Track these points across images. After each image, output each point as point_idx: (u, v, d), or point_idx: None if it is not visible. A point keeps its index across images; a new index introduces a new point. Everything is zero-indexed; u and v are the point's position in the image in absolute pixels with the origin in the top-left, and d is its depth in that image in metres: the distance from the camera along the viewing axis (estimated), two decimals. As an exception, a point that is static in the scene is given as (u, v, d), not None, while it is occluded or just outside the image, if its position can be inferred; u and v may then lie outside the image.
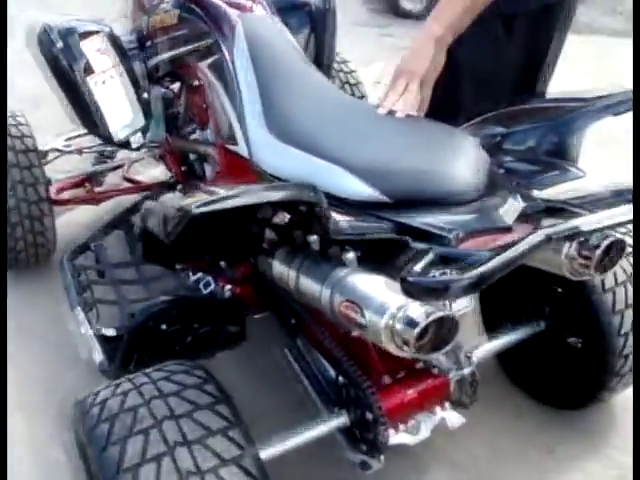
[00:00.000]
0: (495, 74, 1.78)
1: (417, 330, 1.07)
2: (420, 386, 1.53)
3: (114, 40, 1.99)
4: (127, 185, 2.53)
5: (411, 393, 1.52)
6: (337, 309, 1.20)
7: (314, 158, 1.39)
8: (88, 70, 1.91)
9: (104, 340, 1.77)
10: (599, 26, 5.17)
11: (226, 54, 1.73)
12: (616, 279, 1.66)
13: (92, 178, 2.47)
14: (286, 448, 1.43)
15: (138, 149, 2.09)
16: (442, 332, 1.13)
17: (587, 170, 1.38)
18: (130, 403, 1.28)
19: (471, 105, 1.74)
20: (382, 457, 1.51)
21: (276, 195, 1.11)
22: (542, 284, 1.78)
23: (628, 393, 1.87)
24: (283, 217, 1.28)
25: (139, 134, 2.01)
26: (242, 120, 1.65)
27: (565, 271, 1.29)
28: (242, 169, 1.66)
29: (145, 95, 2.03)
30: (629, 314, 1.66)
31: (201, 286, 1.90)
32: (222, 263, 1.66)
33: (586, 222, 1.15)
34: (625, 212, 1.17)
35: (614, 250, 1.26)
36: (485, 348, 1.72)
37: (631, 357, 1.68)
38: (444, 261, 1.14)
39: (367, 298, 1.15)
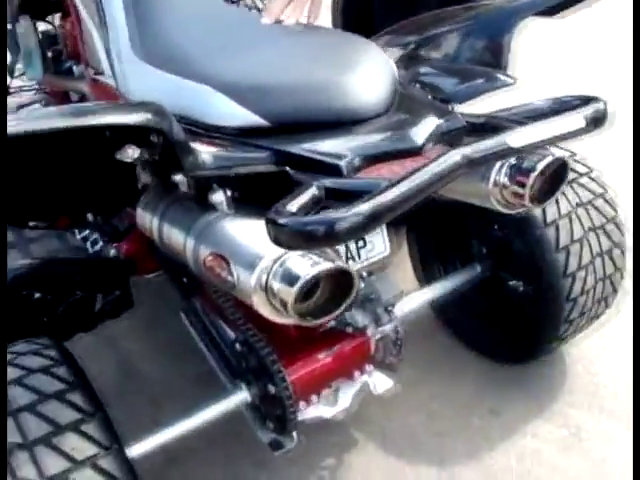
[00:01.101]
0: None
1: (296, 288, 0.82)
2: (333, 349, 1.31)
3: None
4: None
5: (322, 358, 1.30)
6: (202, 263, 0.94)
7: (180, 79, 1.11)
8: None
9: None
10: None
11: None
12: (559, 210, 1.42)
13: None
14: (169, 438, 1.19)
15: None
16: (335, 290, 0.88)
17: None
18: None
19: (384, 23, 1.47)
20: (295, 435, 1.29)
21: (102, 119, 0.83)
22: (476, 222, 1.55)
23: (578, 341, 1.66)
24: (134, 152, 1.00)
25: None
26: (108, 43, 1.36)
27: (495, 203, 1.05)
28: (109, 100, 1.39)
29: (9, 27, 1.72)
30: (575, 251, 1.43)
31: (88, 245, 1.64)
32: (89, 216, 1.39)
33: (516, 137, 0.90)
34: (570, 122, 0.93)
35: (554, 174, 1.02)
36: (415, 299, 1.49)
37: (580, 300, 1.45)
38: (334, 196, 0.88)
39: (235, 249, 0.89)
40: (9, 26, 1.74)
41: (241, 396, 1.30)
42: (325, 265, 0.83)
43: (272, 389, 1.24)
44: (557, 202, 1.43)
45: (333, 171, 0.92)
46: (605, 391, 1.63)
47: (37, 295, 1.38)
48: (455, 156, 0.85)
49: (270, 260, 0.85)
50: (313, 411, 1.31)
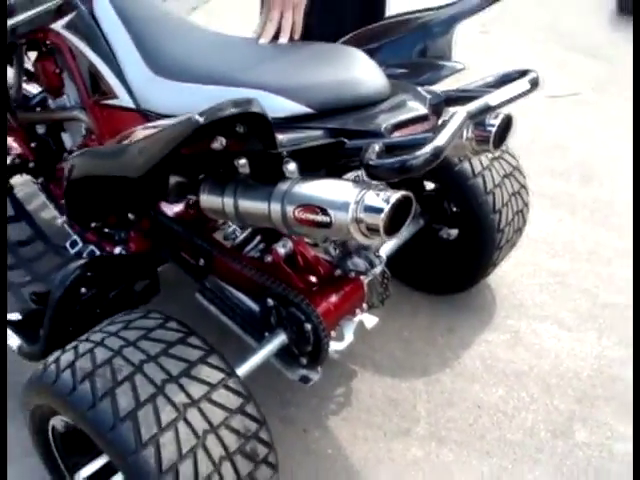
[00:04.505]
0: (341, 3, 1.90)
1: (384, 214, 1.17)
2: (341, 291, 1.62)
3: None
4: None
5: (336, 299, 1.61)
6: (292, 217, 1.25)
7: (226, 88, 1.41)
8: None
9: (14, 325, 1.68)
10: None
11: (83, 9, 1.67)
12: (482, 164, 1.88)
13: None
14: (253, 367, 1.48)
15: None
16: (398, 213, 1.23)
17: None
18: (102, 358, 1.26)
19: (320, 30, 1.84)
20: (319, 368, 1.61)
21: (235, 109, 1.12)
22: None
23: (498, 271, 2.13)
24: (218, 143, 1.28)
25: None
26: (119, 72, 1.61)
27: (468, 152, 1.44)
28: (124, 121, 1.63)
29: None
30: (498, 192, 1.88)
31: (85, 255, 1.86)
32: (131, 216, 1.64)
33: (493, 98, 1.30)
34: (521, 86, 1.35)
35: (505, 126, 1.44)
36: (386, 246, 1.85)
37: (506, 230, 1.91)
38: (388, 150, 1.24)
39: (326, 198, 1.22)
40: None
41: (279, 340, 1.60)
42: (398, 194, 1.18)
43: (308, 327, 1.55)
44: (478, 158, 1.88)
45: (376, 136, 1.28)
46: (527, 303, 2.12)
47: (89, 291, 1.61)
48: (463, 113, 1.24)
49: (355, 200, 1.19)
50: (332, 345, 1.65)
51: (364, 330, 1.67)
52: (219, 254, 1.66)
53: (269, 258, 1.61)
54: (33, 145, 2.10)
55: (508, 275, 2.19)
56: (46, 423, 1.40)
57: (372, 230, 1.19)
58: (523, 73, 1.42)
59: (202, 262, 1.73)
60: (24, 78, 2.04)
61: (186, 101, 1.48)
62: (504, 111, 1.43)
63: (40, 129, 2.07)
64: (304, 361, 1.62)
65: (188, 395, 1.23)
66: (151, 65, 1.56)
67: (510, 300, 2.12)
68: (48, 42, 1.85)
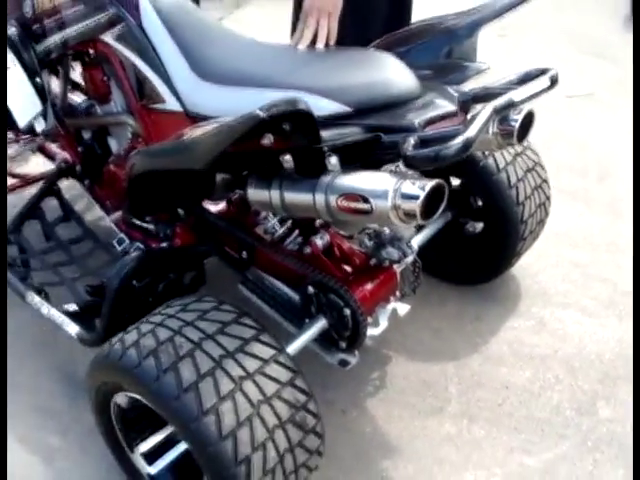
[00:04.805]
0: (368, 12, 2.03)
1: (421, 200, 1.28)
2: (376, 280, 1.74)
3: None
4: (14, 181, 2.48)
5: (371, 287, 1.72)
6: (335, 206, 1.37)
7: (269, 90, 1.53)
8: (-16, 61, 1.89)
9: (71, 315, 1.81)
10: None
11: (132, 22, 1.80)
12: (505, 160, 1.99)
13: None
14: (296, 349, 1.59)
15: (42, 134, 2.08)
16: (433, 199, 1.34)
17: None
18: (164, 336, 1.38)
19: (352, 36, 1.96)
20: (357, 352, 1.72)
21: (285, 107, 1.25)
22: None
23: (521, 262, 2.24)
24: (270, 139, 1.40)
25: (40, 119, 2.02)
26: (166, 78, 1.74)
27: (493, 146, 1.56)
28: (171, 123, 1.76)
29: (38, 80, 2.03)
30: (521, 186, 2.00)
31: (132, 251, 1.99)
32: (180, 211, 1.77)
33: (517, 94, 1.42)
34: (542, 83, 1.46)
35: (527, 121, 1.55)
36: (418, 238, 1.97)
37: (529, 221, 2.03)
38: (422, 143, 1.36)
39: (367, 188, 1.34)
40: (37, 79, 2.04)
41: (319, 325, 1.71)
42: (433, 181, 1.30)
43: (347, 312, 1.67)
44: (502, 154, 2.00)
45: (410, 130, 1.40)
46: (551, 292, 2.23)
47: (142, 282, 1.74)
48: (489, 108, 1.36)
49: (394, 188, 1.31)
50: (369, 331, 1.76)
51: (396, 319, 1.77)
52: (262, 247, 1.78)
53: (308, 250, 1.73)
54: (80, 150, 2.24)
55: (532, 266, 2.30)
56: (109, 400, 1.53)
57: (409, 215, 1.31)
58: (543, 71, 1.53)
59: (245, 255, 1.85)
60: (69, 87, 2.18)
61: (232, 103, 1.61)
62: (526, 107, 1.55)
63: (86, 135, 2.21)
64: (343, 345, 1.73)
65: (244, 369, 1.35)
66: (197, 71, 1.69)
67: (534, 289, 2.23)
68: (93, 52, 1.99)
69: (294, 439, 1.37)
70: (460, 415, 1.83)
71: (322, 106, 1.47)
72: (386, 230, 1.75)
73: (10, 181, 2.48)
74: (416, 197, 1.29)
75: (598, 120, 3.27)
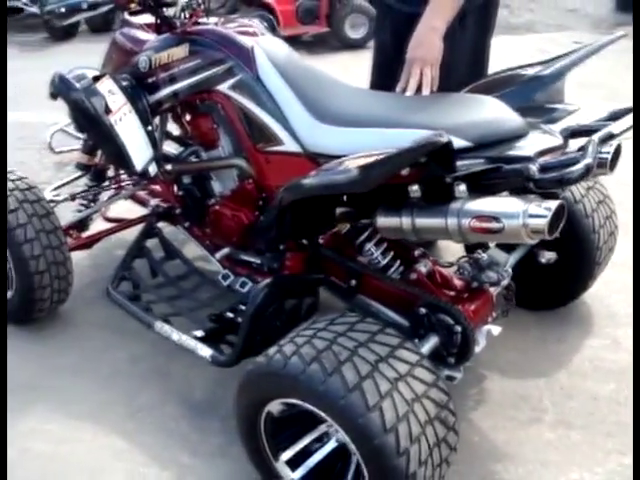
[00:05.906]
0: (452, 61, 2.26)
1: (547, 219, 1.48)
2: (478, 301, 1.92)
3: (117, 81, 2.19)
4: (112, 225, 2.67)
5: (474, 307, 1.90)
6: (467, 227, 1.57)
7: (391, 130, 1.73)
8: (107, 109, 2.09)
9: (202, 340, 1.98)
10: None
11: (249, 73, 2.02)
12: (580, 193, 2.22)
13: (76, 226, 2.58)
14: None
15: (154, 177, 2.28)
16: (556, 218, 1.53)
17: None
18: (322, 346, 1.56)
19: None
20: (462, 368, 1.89)
21: (438, 140, 1.47)
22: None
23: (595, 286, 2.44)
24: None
25: (153, 164, 2.21)
26: (284, 122, 1.96)
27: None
28: (289, 163, 1.97)
29: (149, 128, 2.23)
30: (596, 216, 2.22)
31: (237, 287, 2.18)
32: (304, 242, 1.96)
33: (615, 127, 1.64)
34: (630, 119, 1.69)
35: (618, 152, 1.76)
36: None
37: (603, 247, 2.23)
38: (543, 170, 1.56)
39: (498, 210, 1.54)
40: (149, 127, 2.24)
41: (432, 342, 1.87)
42: (556, 202, 1.50)
43: (458, 329, 1.84)
44: (577, 188, 2.22)
45: (528, 160, 1.61)
46: (620, 314, 2.43)
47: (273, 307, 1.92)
48: (594, 139, 1.57)
49: (523, 210, 1.51)
50: (471, 349, 1.93)
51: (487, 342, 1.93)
52: (373, 275, 1.97)
53: (413, 276, 1.93)
54: (180, 193, 2.44)
55: (599, 291, 2.50)
56: (261, 410, 1.68)
57: (536, 232, 1.51)
58: (630, 109, 1.76)
59: (354, 283, 2.03)
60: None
61: (354, 142, 1.81)
62: (615, 141, 1.76)
63: (186, 179, 2.41)
64: (452, 361, 1.89)
65: (396, 371, 1.52)
66: (315, 114, 1.90)
67: (604, 312, 2.44)
68: (203, 101, 2.22)
69: (440, 435, 1.54)
70: (557, 423, 2.00)
71: (449, 142, 1.69)
72: (484, 256, 1.95)
73: (105, 225, 2.67)
74: (544, 216, 1.49)
75: None
